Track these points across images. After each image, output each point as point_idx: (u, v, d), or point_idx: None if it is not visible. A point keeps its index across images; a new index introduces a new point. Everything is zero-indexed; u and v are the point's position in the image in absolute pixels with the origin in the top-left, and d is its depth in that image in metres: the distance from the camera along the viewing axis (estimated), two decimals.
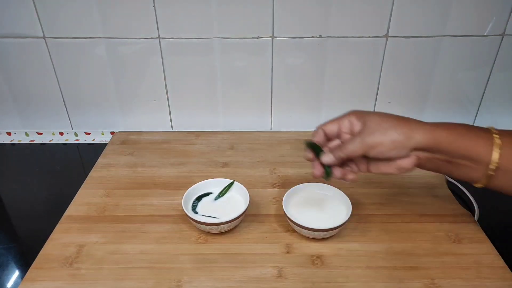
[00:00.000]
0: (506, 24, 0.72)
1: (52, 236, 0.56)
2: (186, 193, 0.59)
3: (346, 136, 0.50)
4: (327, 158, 0.48)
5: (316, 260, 0.52)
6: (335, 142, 0.51)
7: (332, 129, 0.49)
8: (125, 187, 0.66)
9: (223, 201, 0.60)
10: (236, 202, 0.60)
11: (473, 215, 0.60)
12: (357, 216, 0.59)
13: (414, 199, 0.62)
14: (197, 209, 0.58)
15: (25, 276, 0.50)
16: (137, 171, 0.70)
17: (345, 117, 0.48)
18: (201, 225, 0.55)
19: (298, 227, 0.54)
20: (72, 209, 0.62)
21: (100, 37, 0.74)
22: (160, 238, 0.56)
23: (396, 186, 0.65)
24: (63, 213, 0.61)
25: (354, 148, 0.46)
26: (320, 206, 0.59)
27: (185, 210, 0.55)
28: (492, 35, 0.73)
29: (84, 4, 0.70)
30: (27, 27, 0.72)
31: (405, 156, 0.46)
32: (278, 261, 0.52)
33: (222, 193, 0.61)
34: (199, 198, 0.60)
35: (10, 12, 0.71)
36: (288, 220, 0.55)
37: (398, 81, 0.78)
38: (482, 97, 0.80)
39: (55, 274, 0.51)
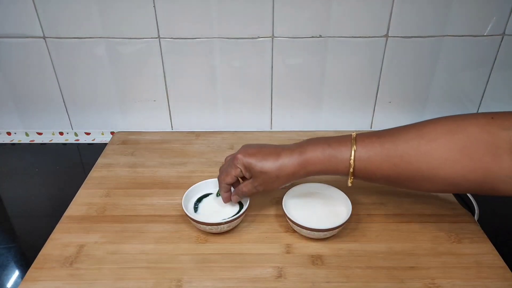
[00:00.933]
0: (506, 24, 0.72)
1: (52, 236, 0.57)
2: (185, 193, 0.59)
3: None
4: (235, 199, 0.58)
5: (316, 260, 0.52)
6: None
7: (231, 181, 0.57)
8: (125, 187, 0.66)
9: (223, 201, 0.60)
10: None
11: (473, 215, 0.60)
12: (357, 216, 0.59)
13: (414, 199, 0.62)
14: (199, 211, 0.58)
15: (25, 276, 0.50)
16: (137, 171, 0.70)
17: (235, 168, 0.55)
18: (201, 225, 0.55)
19: (298, 227, 0.54)
20: (72, 209, 0.62)
21: (100, 37, 0.74)
22: (160, 238, 0.56)
23: None
24: (63, 213, 0.61)
25: (252, 193, 0.56)
26: (320, 206, 0.59)
27: (185, 210, 0.55)
28: (492, 35, 0.73)
29: (84, 4, 0.70)
30: (27, 27, 0.72)
31: None
32: (278, 261, 0.52)
33: (219, 193, 0.61)
34: (199, 200, 0.60)
35: (10, 12, 0.71)
36: (288, 220, 0.55)
37: (398, 81, 0.78)
38: (482, 97, 0.80)
39: (55, 274, 0.51)
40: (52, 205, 0.66)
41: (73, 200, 0.63)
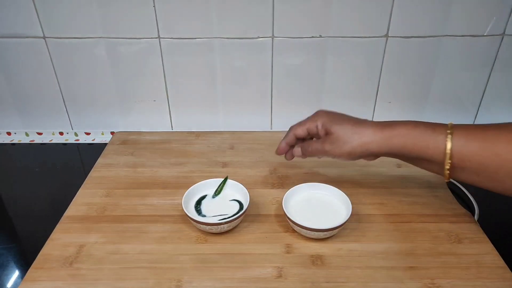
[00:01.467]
0: (506, 24, 0.72)
1: (52, 236, 0.56)
2: (185, 193, 0.59)
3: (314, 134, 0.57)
4: (297, 152, 0.57)
5: (316, 260, 0.52)
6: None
7: (300, 133, 0.57)
8: (125, 187, 0.66)
9: (223, 201, 0.60)
10: (235, 201, 0.60)
11: (473, 215, 0.60)
12: (357, 216, 0.59)
13: (414, 199, 0.62)
14: (203, 212, 0.58)
15: (25, 276, 0.50)
16: (137, 171, 0.70)
17: (312, 121, 0.55)
18: (201, 225, 0.55)
19: (298, 227, 0.54)
20: (72, 209, 0.62)
21: (100, 37, 0.74)
22: (160, 238, 0.56)
23: (396, 186, 0.65)
24: (63, 213, 0.61)
25: (317, 153, 0.55)
26: (320, 206, 0.59)
27: (185, 211, 0.55)
28: (492, 35, 0.73)
29: (84, 4, 0.70)
30: (27, 27, 0.72)
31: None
32: (278, 261, 0.52)
33: (217, 192, 0.61)
34: (200, 200, 0.60)
35: (10, 12, 0.71)
36: (288, 220, 0.55)
37: (398, 81, 0.78)
38: (482, 97, 0.80)
39: (55, 274, 0.50)
40: (52, 205, 0.66)
41: (73, 200, 0.63)
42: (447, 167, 0.47)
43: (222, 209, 0.58)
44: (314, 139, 0.58)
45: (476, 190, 0.64)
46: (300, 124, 0.56)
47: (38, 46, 0.74)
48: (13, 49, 0.75)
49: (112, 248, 0.54)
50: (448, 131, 0.46)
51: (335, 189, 0.59)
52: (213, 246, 0.55)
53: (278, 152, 0.59)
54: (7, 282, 0.52)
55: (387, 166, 0.70)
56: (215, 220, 0.55)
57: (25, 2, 0.70)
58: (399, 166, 0.70)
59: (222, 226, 0.54)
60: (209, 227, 0.55)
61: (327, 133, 0.53)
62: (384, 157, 0.54)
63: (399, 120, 0.51)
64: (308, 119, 0.55)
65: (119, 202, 0.63)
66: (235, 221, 0.55)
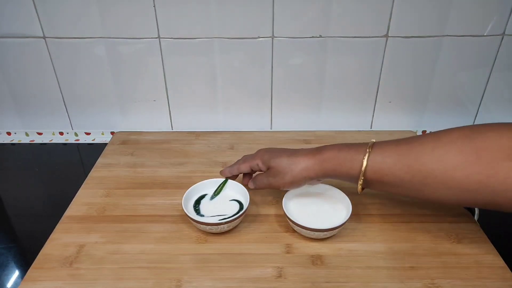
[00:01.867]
0: (506, 24, 0.72)
1: (52, 236, 0.57)
2: (185, 193, 0.59)
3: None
4: (250, 185, 0.60)
5: (316, 260, 0.52)
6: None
7: (244, 169, 0.61)
8: (125, 187, 0.66)
9: (223, 201, 0.60)
10: (235, 201, 0.60)
11: (473, 215, 0.60)
12: (357, 216, 0.59)
13: (414, 199, 0.62)
14: (202, 212, 0.58)
15: (25, 276, 0.50)
16: (137, 171, 0.70)
17: (253, 159, 0.59)
18: (201, 225, 0.55)
19: (298, 227, 0.54)
20: (72, 209, 0.62)
21: (100, 37, 0.74)
22: (160, 238, 0.56)
23: None
24: (63, 213, 0.61)
25: (264, 186, 0.58)
26: (320, 206, 0.59)
27: (185, 211, 0.55)
28: (492, 35, 0.73)
29: (84, 4, 0.70)
30: (27, 27, 0.72)
31: None
32: (278, 261, 0.52)
33: (216, 193, 0.61)
34: (198, 201, 0.60)
35: (10, 11, 0.71)
36: (288, 220, 0.55)
37: (398, 81, 0.78)
38: (482, 97, 0.80)
39: (55, 274, 0.51)
40: (52, 205, 0.66)
41: (73, 200, 0.63)
42: (360, 182, 0.51)
43: (221, 209, 0.58)
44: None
45: None
46: (244, 161, 0.60)
47: (38, 46, 0.74)
48: (13, 49, 0.75)
49: (112, 248, 0.54)
50: (367, 150, 0.50)
51: (335, 189, 0.59)
52: (213, 246, 0.55)
53: (222, 173, 0.63)
54: (7, 282, 0.52)
55: None
56: (214, 220, 0.55)
57: (25, 2, 0.70)
58: None
59: (222, 226, 0.54)
60: (209, 227, 0.55)
61: (269, 168, 0.57)
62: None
63: (327, 145, 0.55)
64: (251, 157, 0.60)
65: (119, 202, 0.63)
66: (235, 221, 0.55)
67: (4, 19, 0.72)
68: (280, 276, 0.50)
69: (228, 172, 0.62)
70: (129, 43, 0.74)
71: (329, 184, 0.60)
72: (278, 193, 0.64)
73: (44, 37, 0.74)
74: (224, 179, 0.62)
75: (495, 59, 0.76)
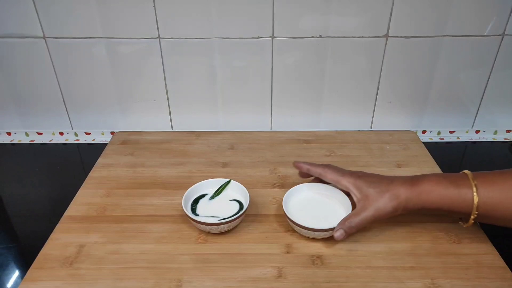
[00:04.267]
0: (506, 24, 0.72)
1: (52, 236, 0.57)
2: (185, 193, 0.59)
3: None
4: (338, 234, 0.53)
5: (316, 260, 0.52)
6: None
7: (326, 178, 0.58)
8: (125, 187, 0.66)
9: (223, 201, 0.60)
10: (235, 201, 0.60)
11: None
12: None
13: None
14: (197, 211, 0.58)
15: (25, 276, 0.50)
16: (137, 171, 0.70)
17: (343, 181, 0.55)
18: (201, 225, 0.55)
19: (298, 227, 0.54)
20: (72, 209, 0.62)
21: (100, 37, 0.74)
22: (160, 238, 0.56)
23: None
24: (63, 213, 0.61)
25: (362, 225, 0.53)
26: (319, 206, 0.59)
27: (185, 211, 0.55)
28: (492, 35, 0.73)
29: (84, 4, 0.70)
30: (27, 27, 0.72)
31: None
32: (278, 261, 0.52)
33: (217, 193, 0.61)
34: (196, 201, 0.60)
35: (10, 12, 0.71)
36: (288, 220, 0.55)
37: (398, 81, 0.78)
38: (482, 97, 0.80)
39: (55, 274, 0.51)
40: (52, 205, 0.66)
41: (73, 200, 0.63)
42: (473, 216, 0.50)
43: (219, 210, 0.58)
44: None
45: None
46: (332, 173, 0.57)
47: (38, 46, 0.74)
48: (13, 49, 0.75)
49: (112, 248, 0.54)
50: (473, 183, 0.49)
51: (335, 189, 0.59)
52: (213, 246, 0.55)
53: (298, 167, 0.60)
54: (7, 282, 0.52)
55: (387, 166, 0.71)
56: (210, 220, 0.55)
57: (25, 2, 0.70)
58: (399, 166, 0.70)
59: (222, 226, 0.54)
60: (209, 227, 0.55)
61: (361, 199, 0.53)
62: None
63: (424, 175, 0.52)
64: (341, 173, 0.56)
65: (119, 202, 0.63)
66: (235, 221, 0.55)
67: (4, 19, 0.72)
68: (280, 276, 0.50)
69: (307, 167, 0.59)
70: (129, 43, 0.74)
71: (329, 184, 0.60)
72: (278, 193, 0.64)
73: (44, 37, 0.74)
74: (227, 180, 0.62)
75: (495, 59, 0.76)
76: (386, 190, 0.52)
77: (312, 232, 0.53)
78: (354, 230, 0.53)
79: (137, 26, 0.72)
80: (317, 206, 0.59)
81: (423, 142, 0.78)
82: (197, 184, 0.61)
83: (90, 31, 0.73)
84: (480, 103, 0.81)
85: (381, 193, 0.52)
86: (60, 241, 0.56)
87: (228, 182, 0.62)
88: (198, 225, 0.55)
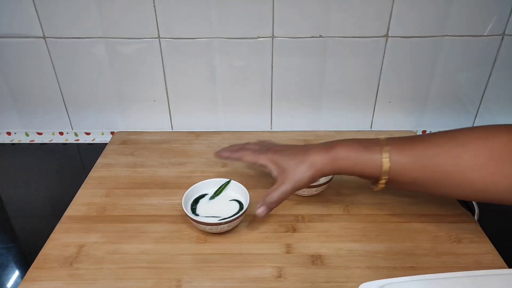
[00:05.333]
0: (506, 24, 0.72)
1: (52, 236, 0.57)
2: (185, 193, 0.59)
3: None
4: (260, 211, 0.54)
5: (316, 260, 0.52)
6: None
7: (247, 161, 0.60)
8: (125, 187, 0.66)
9: (223, 201, 0.60)
10: (235, 201, 0.60)
11: (473, 215, 0.60)
12: (357, 216, 0.59)
13: (414, 199, 0.62)
14: (197, 211, 0.58)
15: (25, 276, 0.50)
16: (137, 171, 0.70)
17: (261, 160, 0.57)
18: (201, 225, 0.55)
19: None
20: (72, 209, 0.62)
21: (99, 37, 0.74)
22: (160, 238, 0.56)
23: None
24: (63, 213, 0.61)
25: (282, 198, 0.54)
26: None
27: (185, 211, 0.55)
28: (492, 35, 0.73)
29: (83, 4, 0.70)
30: (26, 27, 0.72)
31: None
32: (278, 261, 0.52)
33: (217, 193, 0.61)
34: (196, 201, 0.60)
35: (10, 11, 0.71)
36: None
37: (398, 81, 0.78)
38: (482, 97, 0.80)
39: (55, 274, 0.51)
40: (52, 205, 0.66)
41: (73, 200, 0.63)
42: (383, 181, 0.51)
43: (218, 210, 0.58)
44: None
45: None
46: (252, 152, 0.59)
47: (38, 46, 0.74)
48: (13, 49, 0.75)
49: (112, 248, 0.54)
50: (384, 149, 0.50)
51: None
52: (213, 246, 0.55)
53: (218, 155, 0.62)
54: (7, 282, 0.52)
55: None
56: (210, 220, 0.55)
57: (25, 2, 0.70)
58: None
59: (222, 226, 0.54)
60: (209, 227, 0.55)
61: (280, 173, 0.55)
62: None
63: (338, 140, 0.54)
64: (257, 153, 0.58)
65: (119, 202, 0.63)
66: (235, 221, 0.55)
67: (4, 19, 0.72)
68: (280, 276, 0.50)
69: (227, 155, 0.61)
70: (129, 43, 0.74)
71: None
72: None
73: (44, 37, 0.74)
74: (227, 180, 0.62)
75: (495, 59, 0.76)
76: (302, 160, 0.53)
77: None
78: (275, 205, 0.54)
79: (137, 26, 0.72)
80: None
81: None
82: (197, 184, 0.61)
83: (90, 31, 0.73)
84: (480, 103, 0.81)
85: (297, 165, 0.53)
86: (60, 241, 0.56)
87: (228, 182, 0.61)
88: (198, 225, 0.55)
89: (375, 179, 0.52)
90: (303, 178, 0.53)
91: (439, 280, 0.46)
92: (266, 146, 0.60)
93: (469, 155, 0.46)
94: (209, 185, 0.61)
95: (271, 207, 0.54)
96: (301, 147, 0.56)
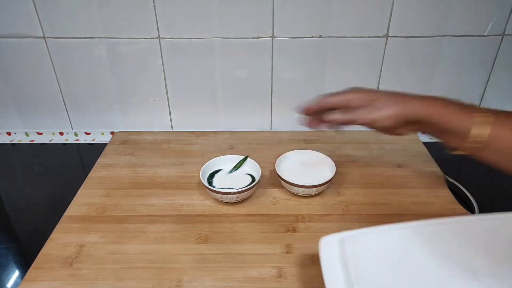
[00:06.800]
0: (506, 24, 0.72)
1: (52, 236, 0.57)
2: (202, 167, 0.63)
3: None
4: (337, 116, 0.53)
5: (316, 260, 0.52)
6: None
7: (337, 101, 0.55)
8: (125, 187, 0.66)
9: (236, 177, 0.64)
10: (249, 175, 0.64)
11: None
12: (357, 216, 0.59)
13: (414, 199, 0.62)
14: (213, 184, 0.62)
15: (25, 276, 0.50)
16: (137, 171, 0.70)
17: (351, 93, 0.54)
18: (213, 193, 0.60)
19: (289, 185, 0.60)
20: (72, 209, 0.62)
21: (100, 37, 0.74)
22: (160, 238, 0.56)
23: (396, 186, 0.65)
24: (63, 213, 0.61)
25: (365, 119, 0.52)
26: (308, 169, 0.66)
27: (202, 181, 0.60)
28: (492, 35, 0.73)
29: (84, 4, 0.70)
30: (26, 27, 0.72)
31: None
32: (278, 261, 0.52)
33: (236, 167, 0.65)
34: (212, 175, 0.64)
35: (10, 12, 0.71)
36: (281, 180, 0.61)
37: (398, 81, 0.78)
38: (482, 97, 0.80)
39: (55, 274, 0.51)
40: (52, 205, 0.66)
41: (73, 200, 0.63)
42: (472, 142, 0.47)
43: (233, 184, 0.62)
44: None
45: (476, 190, 0.64)
46: (338, 94, 0.55)
47: (38, 46, 0.74)
48: (13, 49, 0.75)
49: (112, 248, 0.54)
50: (484, 110, 0.49)
51: (321, 154, 0.67)
52: (213, 246, 0.55)
53: (304, 111, 0.58)
54: (7, 282, 0.52)
55: (387, 166, 0.70)
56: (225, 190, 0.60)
57: (25, 2, 0.70)
58: (399, 166, 0.70)
59: (231, 196, 0.58)
60: (219, 195, 0.59)
61: (372, 103, 0.52)
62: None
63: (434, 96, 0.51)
64: (346, 92, 0.55)
65: (119, 202, 0.63)
66: (244, 192, 0.58)
67: (4, 19, 0.72)
68: (280, 276, 0.50)
69: (315, 108, 0.57)
70: (129, 43, 0.74)
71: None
72: (278, 193, 0.64)
73: (44, 37, 0.74)
74: (243, 156, 0.67)
75: (495, 59, 0.76)
76: (396, 97, 0.52)
77: (302, 189, 0.60)
78: (352, 121, 0.52)
79: (137, 26, 0.73)
80: (306, 168, 0.66)
81: (423, 142, 0.78)
82: (215, 159, 0.66)
83: (90, 31, 0.73)
84: (480, 103, 0.81)
85: (390, 99, 0.52)
86: (60, 241, 0.56)
87: (245, 159, 0.66)
88: (211, 193, 0.60)
89: (460, 139, 0.48)
90: (392, 116, 0.50)
91: (399, 229, 0.47)
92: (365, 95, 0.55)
93: None
94: (228, 161, 0.66)
95: (347, 120, 0.53)
96: (395, 94, 0.53)
